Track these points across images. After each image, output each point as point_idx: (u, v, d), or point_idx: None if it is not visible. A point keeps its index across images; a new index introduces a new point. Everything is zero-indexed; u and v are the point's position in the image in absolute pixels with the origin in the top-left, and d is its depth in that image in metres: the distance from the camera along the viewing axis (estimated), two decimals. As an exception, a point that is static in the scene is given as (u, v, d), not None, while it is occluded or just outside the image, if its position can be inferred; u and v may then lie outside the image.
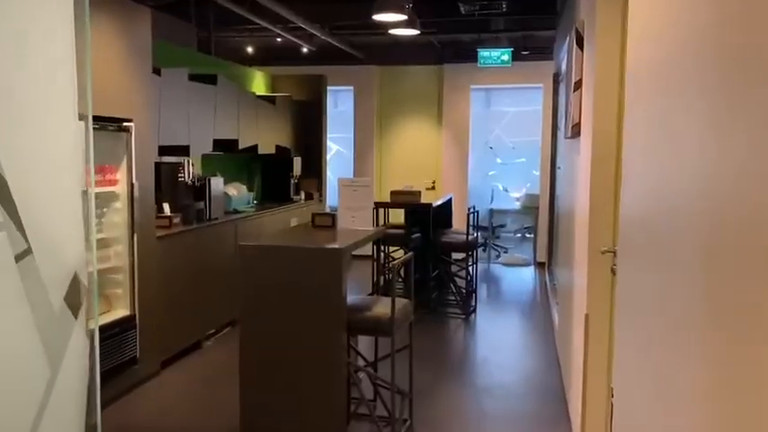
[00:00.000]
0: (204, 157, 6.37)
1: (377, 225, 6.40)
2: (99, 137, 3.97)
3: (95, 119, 3.87)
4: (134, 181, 4.17)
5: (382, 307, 3.50)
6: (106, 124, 3.89)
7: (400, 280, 6.64)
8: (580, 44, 3.74)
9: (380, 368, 4.04)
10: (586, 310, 3.11)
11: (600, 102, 3.04)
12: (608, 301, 3.04)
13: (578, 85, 3.77)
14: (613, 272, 2.99)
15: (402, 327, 3.57)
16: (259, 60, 8.85)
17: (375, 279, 4.27)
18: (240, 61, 7.83)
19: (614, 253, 2.96)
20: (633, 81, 1.97)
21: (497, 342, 5.60)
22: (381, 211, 6.63)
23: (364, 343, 4.63)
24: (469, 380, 4.64)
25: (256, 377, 3.49)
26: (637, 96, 1.89)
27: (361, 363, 4.12)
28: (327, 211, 4.00)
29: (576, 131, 3.81)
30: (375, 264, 4.09)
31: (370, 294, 4.19)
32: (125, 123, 4.11)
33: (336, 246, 3.36)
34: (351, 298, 3.70)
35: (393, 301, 3.35)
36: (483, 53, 8.27)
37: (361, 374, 3.98)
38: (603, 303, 3.04)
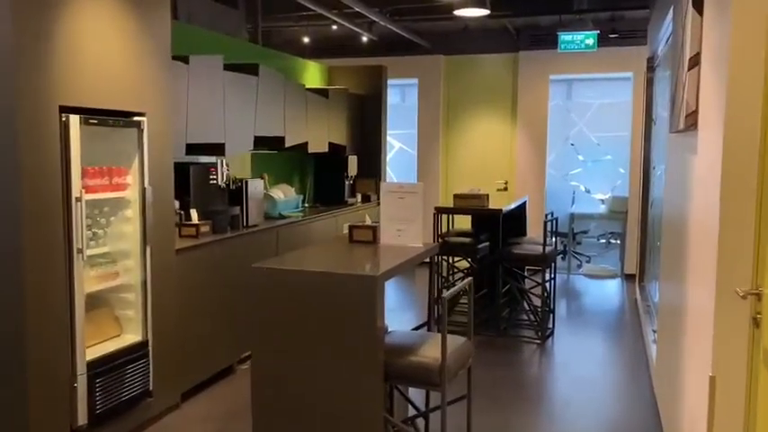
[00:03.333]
0: (252, 156, 5.79)
1: (440, 233, 5.63)
2: (102, 134, 3.40)
3: (96, 112, 3.31)
4: (146, 185, 3.57)
5: (432, 349, 2.73)
6: (107, 119, 3.29)
7: (463, 295, 5.85)
8: (698, 7, 2.83)
9: (434, 418, 3.27)
10: (712, 372, 2.22)
11: (736, 81, 2.15)
12: (745, 364, 2.14)
13: (695, 61, 2.85)
14: (756, 323, 2.10)
15: (457, 375, 2.78)
16: (316, 52, 8.23)
17: (431, 299, 3.49)
18: (297, 54, 7.21)
19: (759, 296, 2.07)
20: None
21: (580, 376, 4.70)
22: (445, 217, 5.85)
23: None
24: (545, 428, 3.79)
25: (272, 428, 2.80)
26: None
27: (410, 411, 3.36)
28: (367, 220, 3.25)
29: (690, 122, 2.90)
30: (433, 280, 3.33)
31: (424, 324, 3.42)
32: (135, 118, 3.51)
33: (369, 272, 2.61)
34: (394, 334, 2.94)
35: (444, 347, 2.57)
36: (564, 37, 7.31)
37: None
38: (739, 366, 2.15)
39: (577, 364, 4.99)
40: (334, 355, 2.66)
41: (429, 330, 3.34)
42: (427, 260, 3.29)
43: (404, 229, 3.16)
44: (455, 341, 2.85)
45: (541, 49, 8.05)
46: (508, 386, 4.45)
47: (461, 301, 5.88)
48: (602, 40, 7.39)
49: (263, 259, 4.22)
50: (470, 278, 2.83)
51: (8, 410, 2.93)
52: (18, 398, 2.91)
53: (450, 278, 6.07)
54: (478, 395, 4.06)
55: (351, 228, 3.28)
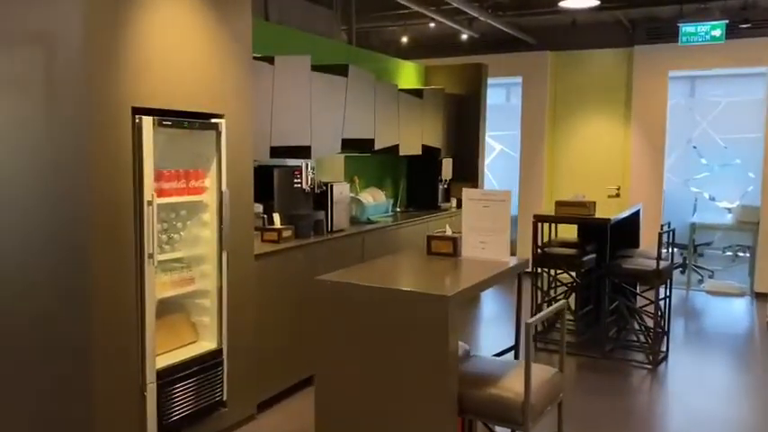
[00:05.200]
0: (345, 158, 5.64)
1: (541, 242, 5.19)
2: (180, 136, 3.33)
3: (171, 114, 3.23)
4: (224, 188, 3.46)
5: (515, 381, 2.38)
6: (182, 120, 3.20)
7: (568, 313, 5.33)
8: None
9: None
10: None
11: None
12: None
13: None
14: None
15: (545, 412, 2.42)
16: (415, 53, 7.98)
17: (519, 322, 3.11)
18: (396, 55, 6.99)
19: None
20: None
21: (697, 409, 4.12)
22: (546, 226, 5.40)
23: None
24: (653, 472, 3.31)
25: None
26: None
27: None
28: (448, 230, 2.94)
29: None
30: (521, 299, 2.96)
31: (511, 348, 3.06)
32: (213, 120, 3.41)
33: (441, 291, 2.31)
34: (474, 361, 2.62)
35: (527, 381, 2.22)
36: (686, 29, 6.61)
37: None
38: None
39: (695, 395, 4.40)
40: (402, 382, 2.38)
41: (516, 357, 2.97)
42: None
43: (488, 241, 2.82)
44: (543, 373, 2.49)
45: (660, 43, 7.35)
46: (611, 418, 3.96)
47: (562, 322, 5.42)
48: (732, 31, 6.61)
49: (349, 264, 3.93)
50: (563, 302, 2.45)
51: (75, 419, 2.90)
52: (85, 406, 2.86)
53: (552, 292, 5.61)
54: (576, 428, 3.64)
55: (428, 238, 2.99)
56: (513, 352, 3.03)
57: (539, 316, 2.33)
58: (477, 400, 2.35)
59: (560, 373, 2.56)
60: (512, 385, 2.36)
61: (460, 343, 2.77)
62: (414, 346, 2.33)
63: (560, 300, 5.53)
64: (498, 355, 2.97)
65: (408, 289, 2.37)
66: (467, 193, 2.89)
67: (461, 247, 2.90)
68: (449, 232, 2.98)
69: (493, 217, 2.80)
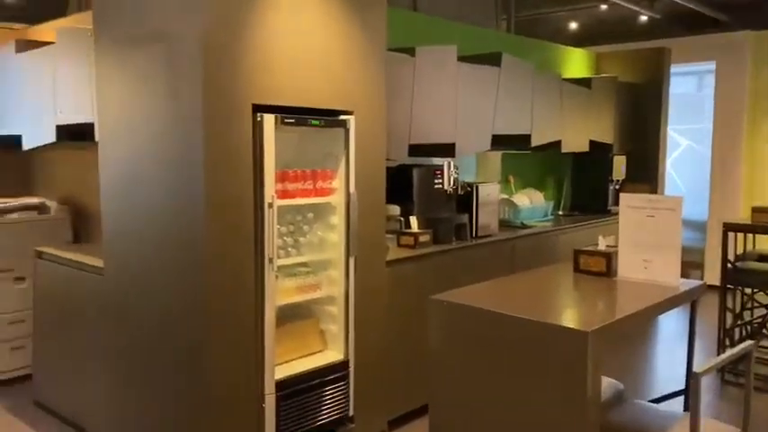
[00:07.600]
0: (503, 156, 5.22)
1: (734, 255, 4.34)
2: (306, 135, 3.16)
3: (295, 111, 3.06)
4: (351, 189, 3.22)
5: (679, 442, 1.84)
6: (306, 118, 3.00)
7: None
8: None
9: None
10: None
11: None
12: None
13: None
14: None
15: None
16: (586, 40, 7.23)
17: (690, 364, 2.48)
18: (565, 43, 6.37)
19: None
20: None
21: None
22: (740, 236, 4.52)
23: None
24: None
25: None
26: None
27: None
28: (601, 243, 2.42)
29: None
30: (694, 331, 2.34)
31: (680, 393, 2.46)
32: (342, 117, 3.19)
33: (581, 324, 1.83)
34: (628, 408, 2.10)
35: (692, 450, 1.68)
36: None
37: None
38: None
39: None
40: (527, 429, 1.94)
41: (686, 408, 2.36)
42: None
43: (653, 259, 2.26)
44: (720, 435, 1.90)
45: None
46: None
47: (762, 345, 4.54)
48: None
49: (496, 273, 3.44)
50: (751, 343, 1.85)
51: (193, 426, 2.82)
52: (198, 420, 2.77)
53: (746, 315, 4.69)
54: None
55: (576, 253, 2.48)
56: (682, 398, 2.42)
57: (713, 363, 1.76)
58: (626, 464, 1.85)
59: (746, 437, 1.95)
60: (674, 450, 1.83)
61: (612, 381, 2.26)
62: (544, 388, 1.89)
63: (756, 325, 4.61)
64: (659, 400, 2.39)
65: (538, 319, 1.92)
66: (625, 199, 2.35)
67: (617, 265, 2.37)
68: (602, 246, 2.46)
69: (659, 229, 2.24)
